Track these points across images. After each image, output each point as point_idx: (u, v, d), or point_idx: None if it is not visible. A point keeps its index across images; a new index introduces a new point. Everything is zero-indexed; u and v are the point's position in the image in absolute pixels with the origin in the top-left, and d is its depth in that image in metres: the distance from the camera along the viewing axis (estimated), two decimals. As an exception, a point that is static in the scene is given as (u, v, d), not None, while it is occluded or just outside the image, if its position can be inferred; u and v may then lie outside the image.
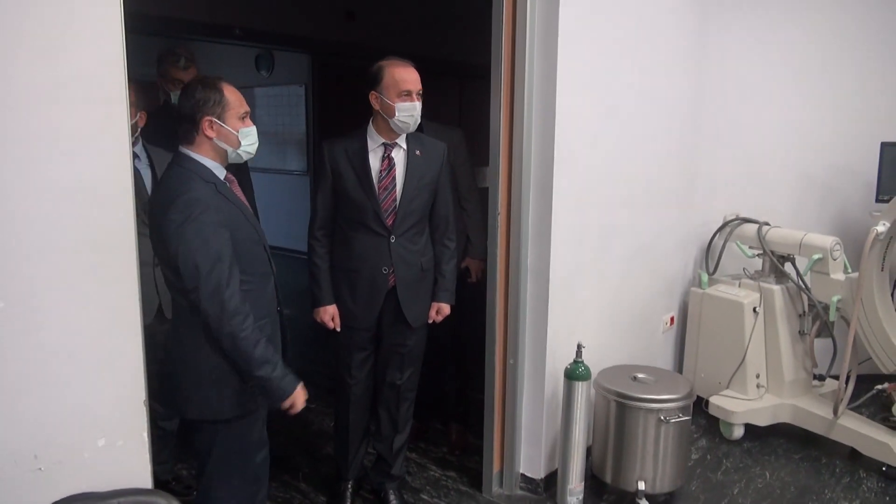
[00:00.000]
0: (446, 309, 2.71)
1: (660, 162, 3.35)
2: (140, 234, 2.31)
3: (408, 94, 2.44)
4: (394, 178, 2.53)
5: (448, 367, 3.37)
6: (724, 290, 3.49)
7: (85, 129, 1.56)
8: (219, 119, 1.93)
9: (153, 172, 2.60)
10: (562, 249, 2.80)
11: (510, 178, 2.76)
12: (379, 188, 2.51)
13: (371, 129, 2.55)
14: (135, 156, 2.53)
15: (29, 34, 1.45)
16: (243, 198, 2.07)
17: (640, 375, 2.90)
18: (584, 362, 2.75)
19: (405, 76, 2.45)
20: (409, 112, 2.45)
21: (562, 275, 2.82)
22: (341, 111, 2.79)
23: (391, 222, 2.52)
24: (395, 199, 2.53)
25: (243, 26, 3.54)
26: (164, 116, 2.91)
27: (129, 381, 1.69)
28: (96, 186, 1.60)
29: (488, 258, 2.84)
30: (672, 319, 3.66)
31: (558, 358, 2.85)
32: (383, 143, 2.54)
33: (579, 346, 2.75)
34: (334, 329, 2.63)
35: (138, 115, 2.53)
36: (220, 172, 1.99)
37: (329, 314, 2.61)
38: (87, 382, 1.61)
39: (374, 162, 2.53)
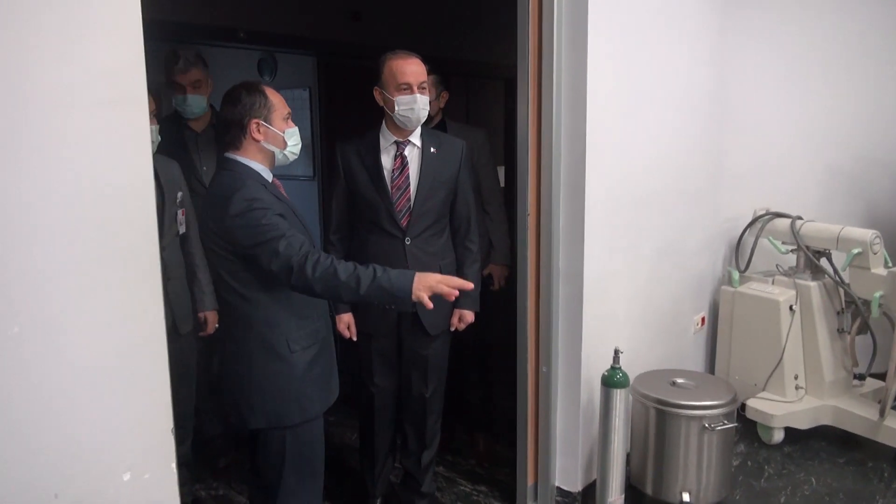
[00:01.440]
0: (469, 316, 2.58)
1: (685, 157, 3.23)
2: None
3: (407, 88, 2.32)
4: (407, 177, 2.42)
5: (471, 374, 3.25)
6: (757, 288, 3.36)
7: (104, 132, 1.43)
8: (265, 121, 1.97)
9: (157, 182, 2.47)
10: (595, 250, 2.68)
11: (539, 177, 2.63)
12: (392, 188, 2.41)
13: (384, 127, 2.44)
14: None
15: (44, 31, 1.31)
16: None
17: (679, 381, 2.78)
18: (622, 368, 2.63)
19: (403, 68, 2.33)
20: (408, 105, 2.33)
21: (595, 277, 2.70)
22: (348, 114, 2.69)
23: (405, 223, 2.41)
24: (409, 199, 2.42)
25: (245, 28, 3.42)
26: (174, 124, 2.84)
27: (155, 407, 1.55)
28: (116, 195, 1.46)
29: (518, 261, 2.71)
30: (703, 320, 3.54)
31: (593, 364, 2.73)
32: (395, 142, 2.43)
33: (617, 352, 2.63)
34: (351, 338, 2.51)
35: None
36: (268, 175, 2.03)
37: (344, 323, 2.49)
38: (109, 410, 1.47)
39: (387, 160, 2.43)
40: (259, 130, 1.97)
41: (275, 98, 2.01)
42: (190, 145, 2.83)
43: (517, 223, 2.66)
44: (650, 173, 2.98)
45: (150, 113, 2.39)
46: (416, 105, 2.32)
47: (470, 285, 1.88)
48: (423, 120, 2.39)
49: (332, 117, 4.18)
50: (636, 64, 2.81)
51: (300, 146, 2.09)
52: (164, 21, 3.06)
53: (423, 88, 2.35)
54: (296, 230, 1.93)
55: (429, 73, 2.95)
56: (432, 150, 2.44)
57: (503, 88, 5.03)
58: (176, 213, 2.50)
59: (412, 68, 2.33)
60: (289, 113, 2.05)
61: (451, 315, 2.54)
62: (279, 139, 2.01)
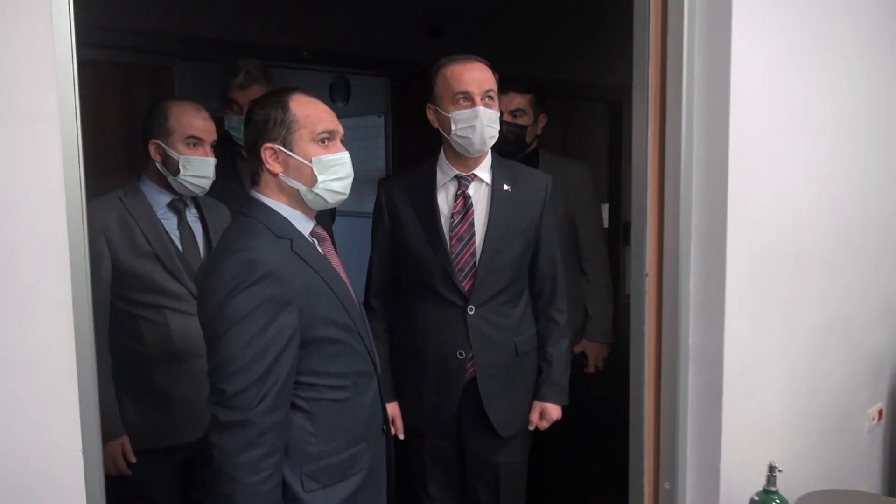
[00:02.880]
0: (555, 412, 1.98)
1: (859, 199, 2.50)
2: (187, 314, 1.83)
3: (466, 98, 1.75)
4: (471, 224, 1.85)
5: (560, 488, 2.62)
6: (962, 377, 2.51)
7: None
8: (283, 145, 1.40)
9: (204, 226, 2.00)
10: (738, 326, 2.02)
11: (661, 225, 2.01)
12: (451, 238, 1.84)
13: (441, 157, 1.88)
14: (184, 204, 1.96)
15: None
16: (338, 264, 1.49)
17: (861, 510, 2.01)
18: (780, 491, 1.92)
19: (462, 75, 1.76)
20: (467, 122, 1.75)
21: (739, 360, 2.03)
22: (425, 142, 2.20)
23: (468, 286, 1.84)
24: (473, 254, 1.85)
25: (311, 48, 3.04)
26: (226, 152, 2.42)
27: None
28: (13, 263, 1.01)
29: (631, 338, 2.06)
30: (880, 413, 2.72)
31: (736, 482, 2.03)
32: (456, 176, 1.86)
33: (773, 469, 1.94)
34: (396, 435, 1.93)
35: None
36: (304, 225, 1.44)
37: (388, 414, 1.92)
38: None
39: (444, 202, 1.86)
40: (276, 159, 1.41)
41: (303, 110, 1.43)
42: (244, 178, 2.40)
43: (631, 287, 2.02)
44: (814, 220, 2.29)
45: (208, 144, 1.89)
46: (478, 121, 1.74)
47: None
48: (492, 142, 1.82)
49: (407, 147, 3.72)
50: (798, 74, 2.15)
51: (348, 181, 1.47)
52: (220, 41, 2.77)
53: (490, 99, 1.78)
54: (326, 317, 1.39)
55: (525, 92, 2.44)
56: (506, 187, 1.86)
57: (607, 112, 4.40)
58: None
59: (474, 74, 1.76)
60: (328, 132, 1.44)
61: (529, 410, 1.94)
62: (305, 171, 1.41)
